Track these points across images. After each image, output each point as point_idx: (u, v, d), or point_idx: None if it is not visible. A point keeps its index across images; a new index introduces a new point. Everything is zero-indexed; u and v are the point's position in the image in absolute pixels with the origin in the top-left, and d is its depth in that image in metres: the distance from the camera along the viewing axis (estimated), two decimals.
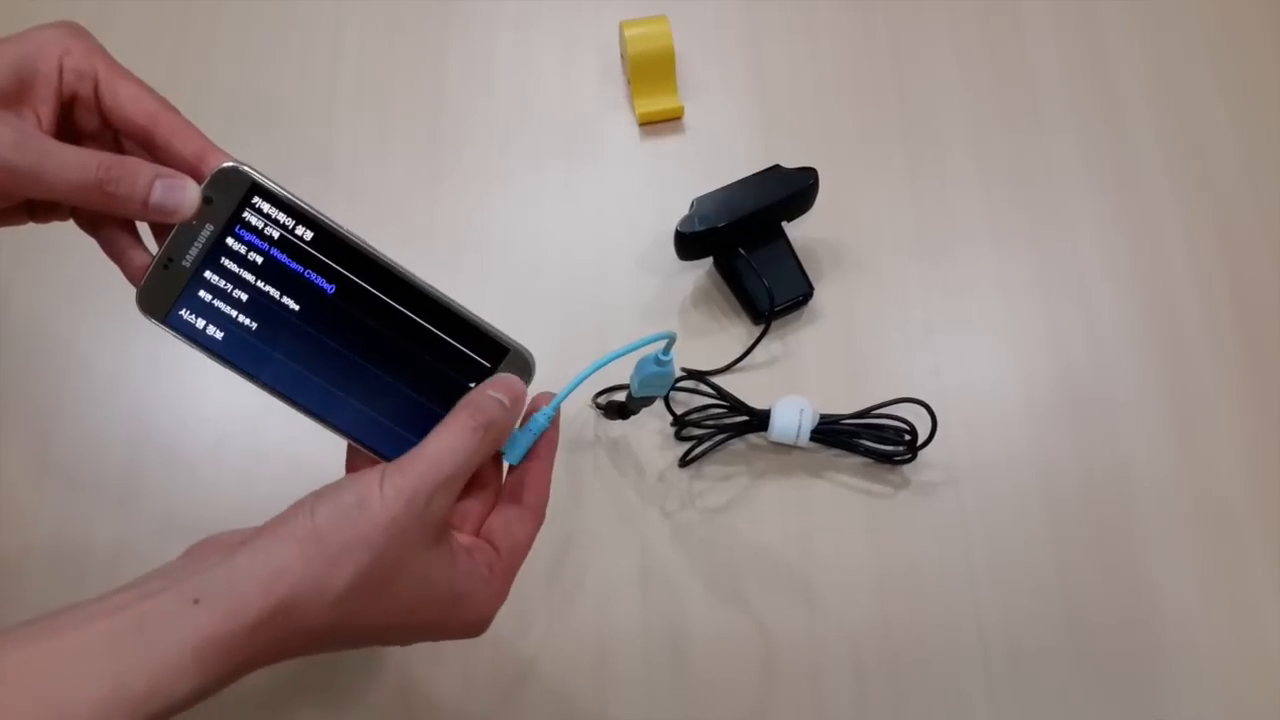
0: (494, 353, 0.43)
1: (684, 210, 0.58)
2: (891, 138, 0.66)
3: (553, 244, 0.63)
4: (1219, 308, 0.61)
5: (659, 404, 0.57)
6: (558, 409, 0.43)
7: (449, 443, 0.38)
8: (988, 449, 0.58)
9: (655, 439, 0.58)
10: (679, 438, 0.57)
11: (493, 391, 0.40)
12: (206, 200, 0.40)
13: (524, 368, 0.43)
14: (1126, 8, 0.69)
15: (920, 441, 0.55)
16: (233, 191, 0.40)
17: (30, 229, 0.64)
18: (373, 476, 0.37)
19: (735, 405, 0.56)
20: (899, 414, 0.56)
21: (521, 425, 0.43)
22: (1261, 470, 0.57)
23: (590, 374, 0.43)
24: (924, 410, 0.55)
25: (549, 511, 0.54)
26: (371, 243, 0.41)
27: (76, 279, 0.61)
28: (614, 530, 0.56)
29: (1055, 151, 0.65)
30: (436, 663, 0.53)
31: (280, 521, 0.36)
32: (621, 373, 0.58)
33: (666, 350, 0.46)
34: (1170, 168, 0.65)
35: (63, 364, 0.59)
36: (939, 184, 0.64)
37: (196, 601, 0.33)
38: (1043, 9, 0.69)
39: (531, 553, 0.56)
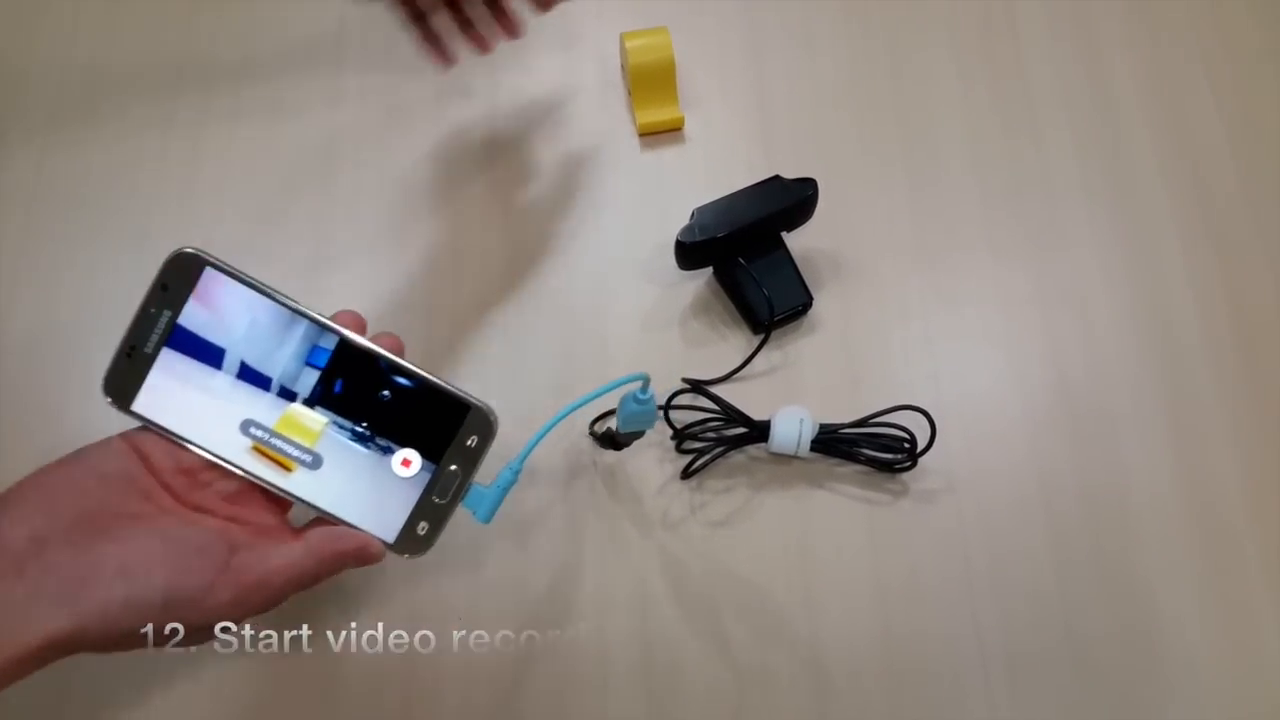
0: (456, 412, 0.42)
1: (684, 220, 0.58)
2: (890, 149, 0.66)
3: (553, 253, 0.63)
4: (1216, 318, 0.61)
5: (659, 417, 0.58)
6: (522, 464, 0.44)
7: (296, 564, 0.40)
8: (986, 457, 0.58)
9: (656, 452, 0.58)
10: (680, 450, 0.57)
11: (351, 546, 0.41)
12: (163, 286, 0.40)
13: (485, 425, 0.43)
14: (1123, 21, 0.69)
15: (920, 449, 0.56)
16: (187, 275, 0.40)
17: (31, 237, 0.65)
18: (204, 572, 0.38)
19: (735, 416, 0.57)
20: (898, 422, 0.56)
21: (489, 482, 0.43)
22: (1258, 480, 0.57)
23: (554, 425, 0.44)
24: (923, 418, 0.56)
25: (554, 530, 0.55)
26: (325, 315, 0.42)
27: (77, 288, 0.62)
28: (615, 545, 0.56)
29: (1053, 162, 0.65)
30: (438, 683, 0.54)
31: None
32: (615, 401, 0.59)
33: (644, 389, 0.46)
34: (1167, 179, 0.65)
35: (64, 374, 0.59)
36: (938, 194, 0.65)
37: None
38: (1040, 23, 0.69)
39: (533, 570, 0.56)
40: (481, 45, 0.59)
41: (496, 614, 0.55)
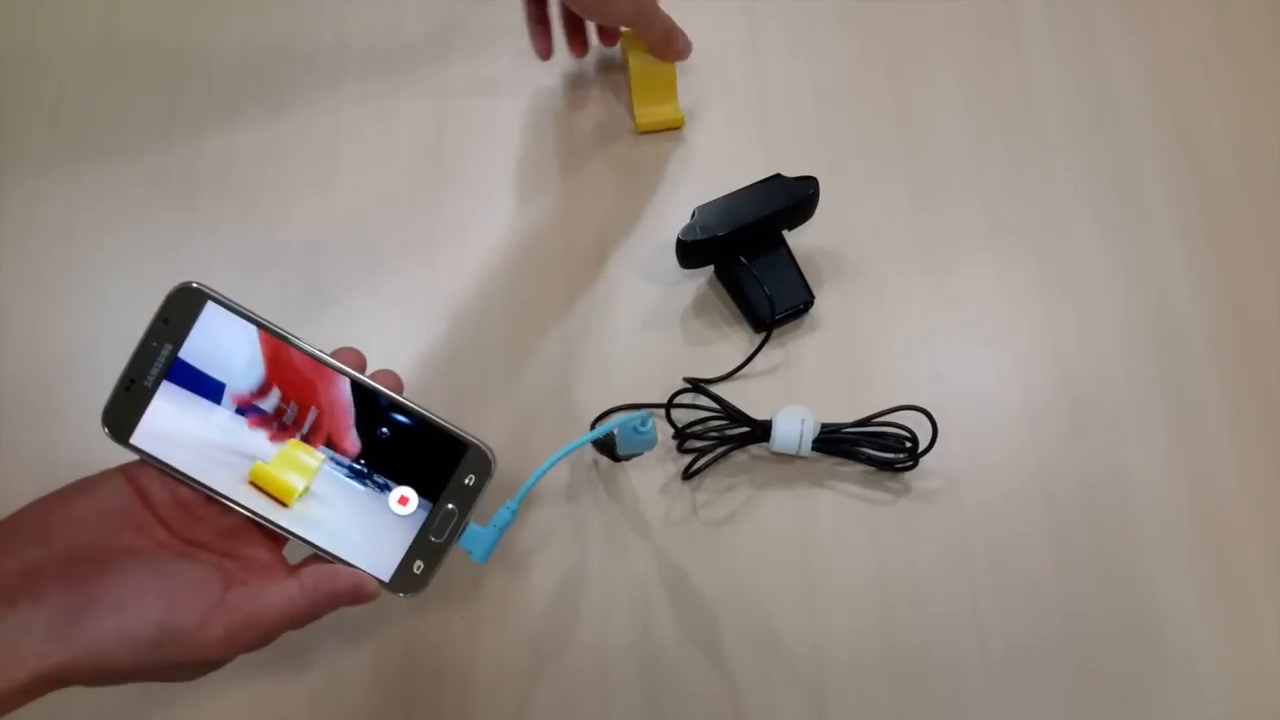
0: (454, 451, 0.42)
1: (685, 219, 0.58)
2: (891, 147, 0.66)
3: (554, 252, 0.63)
4: (1216, 316, 0.61)
5: (660, 416, 0.58)
6: (519, 504, 0.44)
7: (292, 604, 0.39)
8: (988, 456, 0.58)
9: (658, 452, 0.58)
10: (681, 450, 0.57)
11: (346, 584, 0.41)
12: (164, 320, 0.40)
13: (483, 464, 0.42)
14: (1123, 20, 0.69)
15: (921, 449, 0.55)
16: (189, 310, 0.40)
17: (30, 229, 0.64)
18: (197, 607, 0.37)
19: (736, 416, 0.57)
20: (900, 421, 0.56)
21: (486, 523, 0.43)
22: (1259, 478, 0.57)
23: (552, 465, 0.44)
24: (925, 417, 0.56)
25: (556, 530, 0.55)
26: (326, 352, 0.42)
27: (80, 288, 0.62)
28: (617, 545, 0.56)
29: (1054, 161, 0.65)
30: (441, 684, 0.53)
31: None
32: (620, 394, 0.58)
33: (644, 422, 0.47)
34: (1168, 179, 0.65)
35: (68, 373, 0.59)
36: (938, 193, 0.65)
37: None
38: (1040, 22, 0.69)
39: (535, 569, 0.56)
40: (579, 50, 0.66)
41: (499, 613, 0.55)
